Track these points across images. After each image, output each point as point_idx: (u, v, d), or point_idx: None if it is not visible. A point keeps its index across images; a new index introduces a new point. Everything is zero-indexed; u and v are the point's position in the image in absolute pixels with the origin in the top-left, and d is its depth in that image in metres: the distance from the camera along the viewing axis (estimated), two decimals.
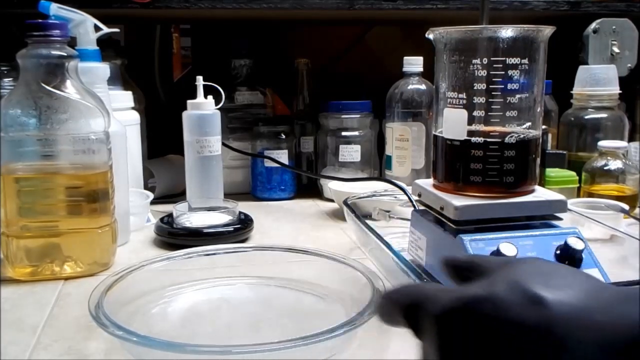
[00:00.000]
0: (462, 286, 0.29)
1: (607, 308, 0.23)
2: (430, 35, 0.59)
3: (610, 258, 0.60)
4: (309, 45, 1.22)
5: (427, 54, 0.72)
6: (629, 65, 1.04)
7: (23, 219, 0.62)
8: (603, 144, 0.86)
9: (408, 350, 0.46)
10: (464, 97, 0.55)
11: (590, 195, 0.85)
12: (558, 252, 0.53)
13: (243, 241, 0.76)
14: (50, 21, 0.70)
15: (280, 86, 1.12)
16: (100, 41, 0.77)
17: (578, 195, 0.86)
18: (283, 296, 0.58)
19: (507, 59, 0.54)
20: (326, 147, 1.03)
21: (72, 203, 0.63)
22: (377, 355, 0.47)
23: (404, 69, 0.98)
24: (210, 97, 0.87)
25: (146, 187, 0.92)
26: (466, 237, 0.53)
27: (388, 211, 0.77)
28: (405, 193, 0.74)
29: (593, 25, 1.02)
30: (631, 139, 1.00)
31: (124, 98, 0.86)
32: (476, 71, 0.54)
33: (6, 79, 0.85)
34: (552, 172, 0.85)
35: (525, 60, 0.54)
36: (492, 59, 0.54)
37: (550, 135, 0.94)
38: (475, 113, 0.55)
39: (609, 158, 0.86)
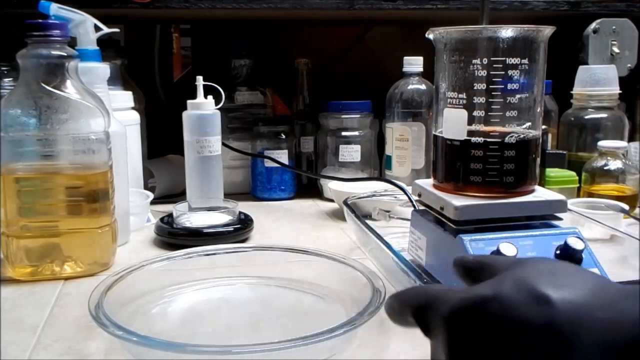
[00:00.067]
0: (471, 286, 0.29)
1: (610, 306, 0.23)
2: (430, 35, 0.59)
3: (610, 258, 0.60)
4: (309, 45, 1.22)
5: (427, 54, 0.72)
6: (629, 65, 1.04)
7: (23, 219, 0.62)
8: (603, 144, 0.86)
9: (408, 350, 0.46)
10: (464, 97, 0.55)
11: (590, 195, 0.85)
12: (558, 252, 0.53)
13: (243, 241, 0.76)
14: (50, 21, 0.70)
15: (280, 86, 1.12)
16: (100, 41, 0.77)
17: (578, 195, 0.86)
18: (283, 296, 0.58)
19: (507, 59, 0.54)
20: (326, 147, 1.03)
21: (72, 203, 0.63)
22: (377, 355, 0.47)
23: (404, 69, 0.98)
24: (210, 97, 0.87)
25: (146, 187, 0.92)
26: (466, 237, 0.53)
27: (388, 211, 0.77)
28: (405, 193, 0.74)
29: (593, 25, 1.02)
30: (631, 139, 1.00)
31: (124, 98, 0.86)
32: (476, 71, 0.54)
33: (6, 79, 0.85)
34: (552, 172, 0.85)
35: (525, 60, 0.54)
36: (492, 59, 0.54)
37: (550, 135, 0.94)
38: (475, 113, 0.55)
39: (609, 158, 0.86)
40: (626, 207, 0.77)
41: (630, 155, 0.95)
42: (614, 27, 1.02)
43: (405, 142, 0.97)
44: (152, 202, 0.85)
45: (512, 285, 0.26)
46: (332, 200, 0.94)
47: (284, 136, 1.01)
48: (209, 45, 1.21)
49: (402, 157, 0.98)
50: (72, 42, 0.71)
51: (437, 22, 0.69)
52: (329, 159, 1.03)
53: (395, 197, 0.80)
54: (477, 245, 0.53)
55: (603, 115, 0.95)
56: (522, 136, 0.55)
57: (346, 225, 0.80)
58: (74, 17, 0.75)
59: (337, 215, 0.89)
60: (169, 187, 0.98)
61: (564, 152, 0.89)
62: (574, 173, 0.86)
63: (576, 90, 0.97)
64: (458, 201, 0.54)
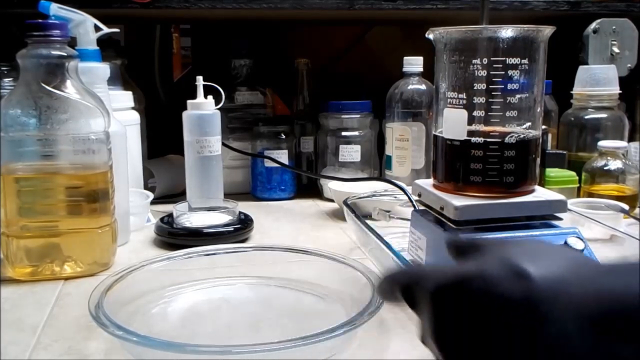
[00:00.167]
0: (458, 264, 0.31)
1: (585, 281, 0.24)
2: (430, 35, 0.59)
3: (610, 258, 0.60)
4: (309, 45, 1.22)
5: (427, 54, 0.72)
6: (629, 65, 1.04)
7: (23, 219, 0.62)
8: (603, 144, 0.86)
9: (408, 350, 0.46)
10: (464, 97, 0.55)
11: (590, 195, 0.85)
12: None
13: (243, 241, 0.76)
14: (50, 21, 0.70)
15: (280, 86, 1.12)
16: (100, 41, 0.77)
17: (578, 195, 0.86)
18: (283, 296, 0.58)
19: (507, 59, 0.54)
20: (326, 147, 1.03)
21: (72, 203, 0.63)
22: (377, 355, 0.47)
23: (404, 69, 0.98)
24: (210, 97, 0.87)
25: (146, 187, 0.92)
26: None
27: (388, 211, 0.77)
28: (405, 193, 0.74)
29: (593, 25, 1.02)
30: (631, 139, 1.00)
31: (124, 98, 0.86)
32: (476, 71, 0.54)
33: (6, 79, 0.85)
34: (552, 172, 0.85)
35: (525, 60, 0.54)
36: (492, 59, 0.54)
37: (550, 135, 0.94)
38: (475, 113, 0.55)
39: (609, 158, 0.86)
40: (626, 207, 0.77)
41: (630, 155, 0.95)
42: (614, 27, 1.02)
43: (405, 142, 0.97)
44: (152, 202, 0.85)
45: (496, 262, 0.27)
46: (332, 200, 0.94)
47: (284, 136, 1.01)
48: (209, 45, 1.21)
49: (402, 157, 0.98)
50: (72, 42, 0.71)
51: (437, 22, 0.69)
52: (329, 159, 1.03)
53: (395, 197, 0.80)
54: None
55: (603, 115, 0.95)
56: (522, 136, 0.55)
57: (346, 225, 0.80)
58: (74, 17, 0.75)
59: (337, 215, 0.89)
60: (169, 187, 0.98)
61: (564, 152, 0.89)
62: (574, 173, 0.86)
63: (576, 90, 0.97)
64: (458, 201, 0.54)
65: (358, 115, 1.01)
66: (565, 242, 0.52)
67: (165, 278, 0.57)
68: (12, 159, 0.61)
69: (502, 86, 0.54)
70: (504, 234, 0.54)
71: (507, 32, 0.54)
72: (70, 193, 0.62)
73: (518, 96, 0.55)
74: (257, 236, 0.79)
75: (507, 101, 0.55)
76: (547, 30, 0.55)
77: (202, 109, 0.86)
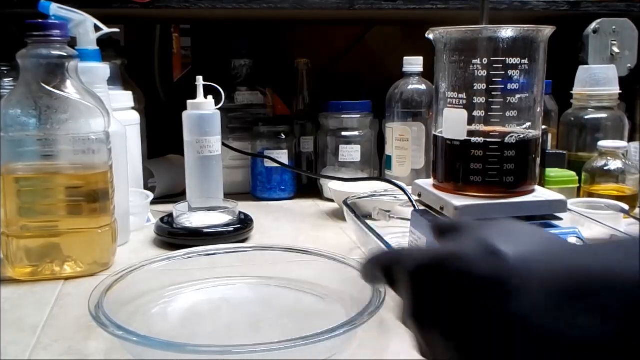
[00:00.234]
0: (439, 245, 0.32)
1: (555, 258, 0.25)
2: (430, 35, 0.59)
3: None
4: (309, 45, 1.22)
5: (427, 54, 0.72)
6: (629, 65, 1.04)
7: (23, 219, 0.62)
8: (603, 144, 0.86)
9: (408, 350, 0.46)
10: (464, 97, 0.55)
11: (590, 195, 0.85)
12: None
13: (243, 241, 0.76)
14: (50, 21, 0.70)
15: (280, 86, 1.12)
16: (100, 41, 0.77)
17: (578, 195, 0.86)
18: (283, 296, 0.58)
19: (507, 59, 0.54)
20: (326, 147, 1.03)
21: (72, 203, 0.63)
22: (377, 355, 0.47)
23: (404, 69, 0.98)
24: (210, 97, 0.87)
25: (146, 187, 0.92)
26: None
27: (388, 211, 0.77)
28: (405, 193, 0.74)
29: (593, 25, 1.02)
30: (631, 139, 1.00)
31: (124, 98, 0.86)
32: (476, 71, 0.55)
33: (6, 79, 0.85)
34: (552, 172, 0.85)
35: (525, 60, 0.54)
36: (492, 59, 0.54)
37: (550, 135, 0.94)
38: (475, 113, 0.55)
39: (609, 158, 0.86)
40: (626, 207, 0.77)
41: (630, 155, 0.95)
42: (614, 27, 1.02)
43: (405, 142, 0.97)
44: (152, 202, 0.85)
45: (472, 242, 0.28)
46: (332, 200, 0.94)
47: (284, 136, 1.01)
48: (209, 45, 1.21)
49: (402, 157, 0.98)
50: (72, 42, 0.71)
51: (437, 22, 0.69)
52: (329, 159, 1.03)
53: (395, 197, 0.80)
54: None
55: (603, 115, 0.95)
56: (522, 136, 0.55)
57: (346, 225, 0.80)
58: (74, 17, 0.75)
59: (337, 215, 0.89)
60: (169, 187, 0.98)
61: (564, 152, 0.89)
62: (574, 173, 0.86)
63: (576, 90, 0.97)
64: (458, 201, 0.54)
65: (358, 115, 1.01)
66: None
67: (165, 278, 0.57)
68: (12, 159, 0.61)
69: (502, 86, 0.54)
70: None
71: (507, 32, 0.54)
72: (70, 193, 0.62)
73: (518, 96, 0.55)
74: (257, 236, 0.79)
75: (507, 101, 0.55)
76: (547, 30, 0.55)
77: (202, 109, 0.86)
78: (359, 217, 0.70)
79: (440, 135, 0.58)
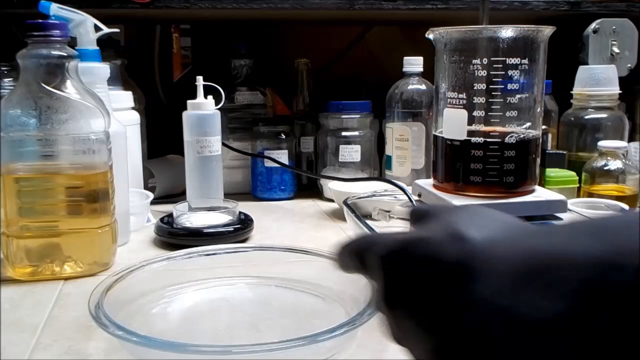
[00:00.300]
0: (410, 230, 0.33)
1: (516, 241, 0.26)
2: (430, 35, 0.59)
3: None
4: (309, 45, 1.22)
5: (427, 54, 0.72)
6: (629, 65, 1.04)
7: (23, 219, 0.62)
8: (603, 144, 0.86)
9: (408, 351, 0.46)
10: (464, 97, 0.55)
11: (590, 195, 0.85)
12: None
13: (243, 241, 0.76)
14: (50, 21, 0.70)
15: (280, 86, 1.12)
16: (100, 41, 0.77)
17: (578, 195, 0.86)
18: (283, 296, 0.58)
19: (507, 59, 0.54)
20: (326, 147, 1.03)
21: (72, 203, 0.63)
22: (377, 355, 0.47)
23: (404, 69, 0.98)
24: (210, 97, 0.87)
25: (146, 187, 0.92)
26: None
27: (388, 211, 0.77)
28: (405, 193, 0.74)
29: (593, 25, 1.02)
30: (631, 139, 1.00)
31: (124, 98, 0.86)
32: (476, 71, 0.55)
33: (6, 79, 0.85)
34: (552, 172, 0.85)
35: (525, 60, 0.54)
36: (492, 59, 0.54)
37: (550, 135, 0.94)
38: (475, 113, 0.55)
39: (609, 158, 0.86)
40: (626, 207, 0.77)
41: (630, 155, 0.95)
42: (614, 27, 1.02)
43: (405, 142, 0.97)
44: (152, 202, 0.85)
45: (440, 227, 0.28)
46: (332, 200, 0.94)
47: (284, 136, 1.01)
48: (209, 45, 1.21)
49: (402, 157, 0.98)
50: (72, 42, 0.71)
51: (437, 22, 0.69)
52: (329, 159, 1.03)
53: (395, 197, 0.80)
54: None
55: (603, 115, 0.95)
56: (522, 136, 0.55)
57: (346, 225, 0.80)
58: (74, 17, 0.75)
59: (337, 215, 0.89)
60: (169, 187, 0.98)
61: (564, 152, 0.89)
62: (574, 173, 0.86)
63: (576, 90, 0.97)
64: (458, 201, 0.54)
65: (358, 115, 1.01)
66: None
67: (165, 278, 0.57)
68: (12, 159, 0.61)
69: (502, 86, 0.54)
70: None
71: (507, 32, 0.54)
72: (71, 193, 0.62)
73: (518, 96, 0.55)
74: (257, 236, 0.79)
75: (507, 101, 0.55)
76: (547, 30, 0.55)
77: (202, 109, 0.86)
78: (359, 217, 0.70)
79: (440, 135, 0.58)
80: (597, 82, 0.94)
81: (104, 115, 0.63)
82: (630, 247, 0.21)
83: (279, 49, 1.21)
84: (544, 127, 0.60)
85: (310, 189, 1.05)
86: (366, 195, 0.82)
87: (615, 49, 1.02)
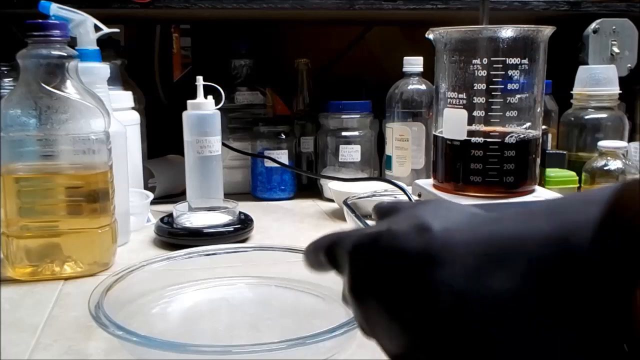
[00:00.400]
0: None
1: (475, 228, 0.27)
2: (430, 35, 0.59)
3: None
4: (309, 45, 1.22)
5: (427, 54, 0.72)
6: (629, 65, 1.04)
7: (23, 219, 0.62)
8: (603, 144, 0.86)
9: None
10: (464, 97, 0.55)
11: None
12: None
13: (243, 241, 0.76)
14: (50, 21, 0.70)
15: (280, 86, 1.12)
16: (100, 41, 0.77)
17: None
18: (283, 296, 0.58)
19: (507, 59, 0.54)
20: (326, 147, 1.03)
21: (72, 203, 0.63)
22: (377, 355, 0.47)
23: (404, 69, 0.98)
24: (210, 97, 0.87)
25: (146, 187, 0.92)
26: None
27: None
28: (405, 193, 0.74)
29: (593, 25, 1.02)
30: (631, 139, 1.00)
31: (124, 98, 0.86)
32: (476, 71, 0.55)
33: (6, 79, 0.85)
34: (552, 172, 0.85)
35: (525, 60, 0.54)
36: (492, 59, 0.54)
37: (550, 135, 0.94)
38: (475, 113, 0.55)
39: (609, 158, 0.85)
40: None
41: (630, 155, 0.95)
42: (614, 27, 1.02)
43: (405, 142, 0.97)
44: (152, 202, 0.85)
45: (403, 220, 0.29)
46: (332, 200, 0.94)
47: (284, 136, 1.01)
48: (209, 45, 1.21)
49: (402, 157, 0.98)
50: (72, 42, 0.71)
51: (437, 22, 0.69)
52: (329, 159, 1.03)
53: (395, 197, 0.80)
54: None
55: (603, 115, 0.95)
56: (522, 136, 0.55)
57: (346, 225, 0.80)
58: (74, 17, 0.75)
59: (337, 215, 0.89)
60: (169, 187, 0.98)
61: (564, 152, 0.89)
62: (574, 173, 0.86)
63: (576, 90, 0.97)
64: (458, 201, 0.54)
65: (358, 115, 1.01)
66: None
67: (165, 278, 0.57)
68: (12, 159, 0.61)
69: (502, 86, 0.54)
70: None
71: (507, 32, 0.54)
72: (70, 193, 0.62)
73: (518, 96, 0.55)
74: (257, 236, 0.79)
75: (507, 101, 0.55)
76: (547, 30, 0.55)
77: (202, 109, 0.86)
78: (359, 217, 0.70)
79: (440, 135, 0.58)
80: (597, 82, 0.94)
81: (104, 115, 0.63)
82: (579, 224, 0.22)
83: (279, 49, 1.21)
84: (544, 127, 0.60)
85: (310, 189, 1.05)
86: (366, 195, 0.82)
87: (615, 49, 1.02)
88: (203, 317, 0.55)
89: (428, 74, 0.85)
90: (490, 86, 0.54)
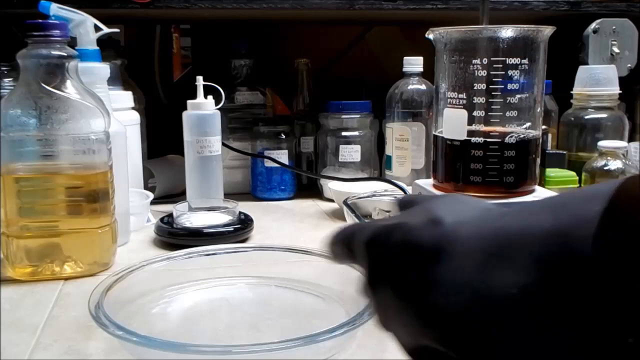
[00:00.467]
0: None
1: (485, 222, 0.27)
2: (430, 35, 0.59)
3: None
4: (309, 45, 1.22)
5: (427, 54, 0.72)
6: (629, 65, 1.04)
7: (23, 219, 0.62)
8: (603, 144, 0.86)
9: None
10: (464, 97, 0.55)
11: None
12: None
13: (243, 241, 0.76)
14: (50, 21, 0.70)
15: (280, 86, 1.12)
16: (100, 41, 0.77)
17: None
18: (283, 296, 0.58)
19: (507, 59, 0.54)
20: (326, 147, 1.03)
21: (72, 203, 0.63)
22: (377, 355, 0.47)
23: (404, 69, 0.98)
24: (210, 97, 0.87)
25: (146, 187, 0.92)
26: None
27: (388, 211, 0.77)
28: (405, 193, 0.74)
29: (593, 25, 1.02)
30: (631, 139, 1.00)
31: (124, 98, 0.86)
32: (476, 71, 0.55)
33: (6, 79, 0.85)
34: (552, 172, 0.85)
35: (525, 60, 0.54)
36: (492, 59, 0.54)
37: (550, 135, 0.94)
38: (475, 113, 0.55)
39: (609, 158, 0.86)
40: None
41: (630, 155, 0.95)
42: (614, 27, 1.03)
43: (405, 142, 0.97)
44: (152, 202, 0.85)
45: (418, 213, 0.30)
46: (332, 200, 0.94)
47: (284, 136, 1.01)
48: (209, 45, 1.21)
49: (402, 157, 0.98)
50: (72, 42, 0.71)
51: (437, 22, 0.69)
52: (329, 159, 1.03)
53: (395, 197, 0.80)
54: None
55: (603, 115, 0.95)
56: (522, 136, 0.55)
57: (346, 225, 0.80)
58: (74, 17, 0.75)
59: (337, 215, 0.89)
60: (169, 187, 0.98)
61: (564, 152, 0.89)
62: (574, 173, 0.86)
63: (576, 90, 0.97)
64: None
65: (358, 115, 1.01)
66: None
67: (165, 278, 0.57)
68: (12, 159, 0.61)
69: (502, 86, 0.54)
70: None
71: (507, 32, 0.54)
72: (70, 193, 0.62)
73: (518, 96, 0.55)
74: (257, 236, 0.79)
75: (507, 101, 0.55)
76: (547, 30, 0.55)
77: (202, 109, 0.86)
78: (359, 217, 0.70)
79: (440, 135, 0.58)
80: (597, 82, 0.94)
81: (104, 115, 0.63)
82: (580, 218, 0.22)
83: (279, 49, 1.21)
84: (544, 127, 0.60)
85: (310, 189, 1.05)
86: (366, 195, 0.82)
87: (615, 49, 1.02)
88: (203, 317, 0.55)
89: (428, 74, 0.85)
90: (490, 86, 0.54)
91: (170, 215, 0.78)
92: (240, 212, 0.80)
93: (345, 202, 0.76)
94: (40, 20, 0.62)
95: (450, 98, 0.57)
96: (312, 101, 1.09)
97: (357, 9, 0.94)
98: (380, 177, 0.99)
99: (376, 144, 1.07)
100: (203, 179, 0.87)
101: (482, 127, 0.55)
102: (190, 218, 0.79)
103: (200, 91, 0.86)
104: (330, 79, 1.19)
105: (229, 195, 0.90)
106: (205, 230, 0.75)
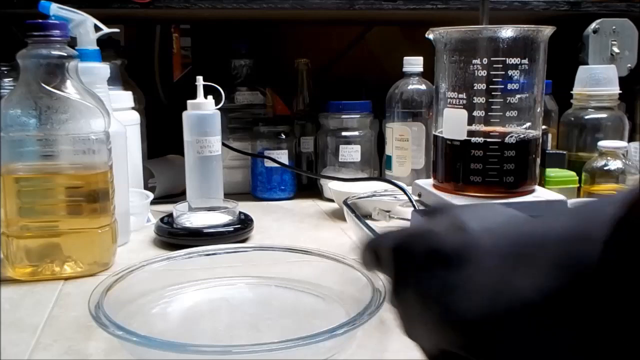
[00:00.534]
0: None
1: (507, 229, 0.27)
2: (430, 35, 0.59)
3: None
4: (309, 45, 1.22)
5: (427, 54, 0.72)
6: (629, 65, 1.04)
7: (23, 219, 0.62)
8: (603, 144, 0.86)
9: (408, 351, 0.46)
10: (464, 97, 0.55)
11: (590, 195, 0.85)
12: None
13: (243, 241, 0.76)
14: (50, 21, 0.70)
15: (280, 86, 1.12)
16: (100, 41, 0.77)
17: (578, 196, 0.86)
18: (283, 296, 0.58)
19: (507, 59, 0.54)
20: (326, 147, 1.03)
21: (72, 203, 0.63)
22: (377, 355, 0.47)
23: (404, 69, 0.98)
24: (210, 97, 0.87)
25: (146, 187, 0.92)
26: None
27: (388, 211, 0.77)
28: (405, 193, 0.74)
29: (593, 25, 1.02)
30: (631, 139, 1.00)
31: (124, 98, 0.86)
32: (476, 71, 0.55)
33: (6, 79, 0.85)
34: (552, 172, 0.85)
35: (525, 60, 0.54)
36: (492, 59, 0.54)
37: (550, 135, 0.94)
38: (475, 113, 0.55)
39: (609, 158, 0.86)
40: None
41: (630, 155, 0.95)
42: (614, 27, 1.02)
43: (405, 142, 0.97)
44: (152, 202, 0.85)
45: (445, 221, 0.30)
46: (332, 200, 0.94)
47: (284, 136, 1.01)
48: (209, 45, 1.21)
49: (402, 157, 0.98)
50: (72, 42, 0.71)
51: (437, 22, 0.69)
52: (329, 159, 1.03)
53: (395, 197, 0.80)
54: None
55: (603, 115, 0.95)
56: (522, 136, 0.55)
57: (346, 225, 0.80)
58: (74, 17, 0.75)
59: (337, 215, 0.89)
60: (169, 187, 0.98)
61: (564, 152, 0.89)
62: (574, 173, 0.86)
63: (576, 90, 0.97)
64: (458, 201, 0.54)
65: (358, 115, 1.01)
66: None
67: (165, 278, 0.57)
68: (12, 159, 0.61)
69: (502, 86, 0.54)
70: None
71: (507, 32, 0.54)
72: (70, 193, 0.62)
73: (518, 96, 0.55)
74: (257, 236, 0.79)
75: (507, 101, 0.55)
76: (547, 30, 0.55)
77: (202, 109, 0.86)
78: (359, 217, 0.70)
79: (440, 135, 0.58)
80: (597, 82, 0.94)
81: (104, 115, 0.63)
82: (598, 221, 0.22)
83: (279, 49, 1.21)
84: (544, 127, 0.60)
85: (310, 189, 1.05)
86: (366, 195, 0.82)
87: (615, 49, 1.02)
88: (203, 317, 0.55)
89: (428, 74, 0.85)
90: (490, 86, 0.54)
91: (170, 215, 0.78)
92: (240, 212, 0.80)
93: (345, 202, 0.76)
94: (40, 20, 0.62)
95: (450, 98, 0.56)
96: (312, 101, 1.09)
97: (357, 9, 0.94)
98: (380, 177, 0.99)
99: (376, 144, 1.06)
100: (203, 179, 0.87)
101: (482, 127, 0.55)
102: (190, 218, 0.79)
103: (200, 91, 0.86)
104: (330, 79, 1.19)
105: (229, 195, 0.90)
106: (205, 230, 0.75)
